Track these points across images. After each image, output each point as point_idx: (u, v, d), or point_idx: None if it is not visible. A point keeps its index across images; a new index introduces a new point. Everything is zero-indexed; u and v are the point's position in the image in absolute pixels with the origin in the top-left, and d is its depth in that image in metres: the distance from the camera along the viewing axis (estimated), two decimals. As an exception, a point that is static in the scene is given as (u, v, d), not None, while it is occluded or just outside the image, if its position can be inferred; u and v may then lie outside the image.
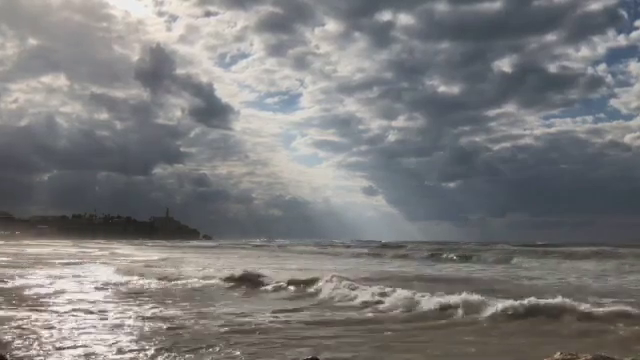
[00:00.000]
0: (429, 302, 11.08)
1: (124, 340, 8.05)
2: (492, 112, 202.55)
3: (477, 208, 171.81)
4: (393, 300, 11.63)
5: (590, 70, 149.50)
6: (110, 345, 7.74)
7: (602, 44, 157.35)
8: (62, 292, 13.80)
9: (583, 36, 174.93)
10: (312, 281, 14.85)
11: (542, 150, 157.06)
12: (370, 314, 10.96)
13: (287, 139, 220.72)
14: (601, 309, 9.96)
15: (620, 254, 33.49)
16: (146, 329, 8.95)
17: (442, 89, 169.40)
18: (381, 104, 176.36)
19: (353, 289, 13.10)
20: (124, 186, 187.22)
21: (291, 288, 14.93)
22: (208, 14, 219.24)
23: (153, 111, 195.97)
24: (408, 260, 36.05)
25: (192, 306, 11.83)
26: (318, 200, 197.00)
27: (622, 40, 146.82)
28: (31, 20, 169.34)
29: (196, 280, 17.26)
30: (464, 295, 10.87)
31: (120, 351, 7.42)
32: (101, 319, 9.84)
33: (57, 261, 28.23)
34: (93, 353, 7.26)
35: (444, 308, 10.71)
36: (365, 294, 12.45)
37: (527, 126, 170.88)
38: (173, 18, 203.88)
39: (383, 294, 12.19)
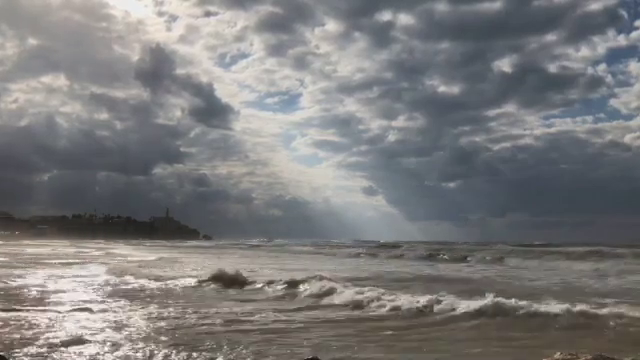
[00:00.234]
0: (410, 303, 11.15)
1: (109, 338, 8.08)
2: (492, 112, 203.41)
3: (477, 208, 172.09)
4: (346, 297, 11.72)
5: (590, 70, 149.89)
6: (103, 343, 7.81)
7: (602, 44, 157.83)
8: (50, 292, 13.82)
9: (583, 36, 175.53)
10: (294, 282, 14.87)
11: (542, 150, 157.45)
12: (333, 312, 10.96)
13: (287, 139, 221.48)
14: (596, 309, 9.98)
15: (618, 254, 33.56)
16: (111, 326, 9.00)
17: (442, 89, 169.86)
18: (381, 104, 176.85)
19: (331, 289, 13.15)
20: (124, 186, 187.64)
21: (268, 289, 14.97)
22: (208, 14, 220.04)
23: (153, 111, 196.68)
24: (403, 260, 36.05)
25: (167, 305, 11.86)
26: (318, 200, 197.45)
27: (622, 40, 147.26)
28: (31, 20, 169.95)
29: (180, 280, 17.37)
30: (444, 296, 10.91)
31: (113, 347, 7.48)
32: (85, 318, 9.86)
33: (52, 261, 28.28)
34: (89, 352, 7.31)
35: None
36: (343, 295, 12.52)
37: (527, 126, 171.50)
38: (173, 18, 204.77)
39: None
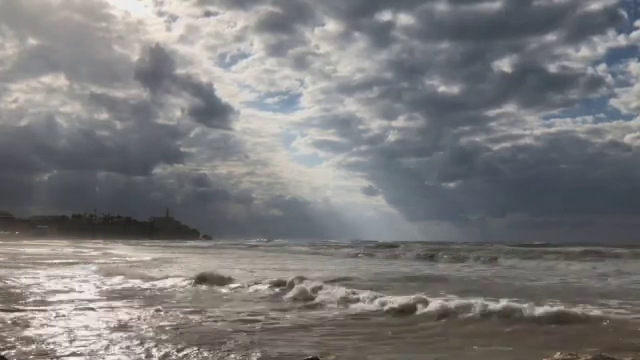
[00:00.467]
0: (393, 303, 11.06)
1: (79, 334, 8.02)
2: (492, 112, 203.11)
3: (477, 208, 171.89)
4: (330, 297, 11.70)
5: (590, 70, 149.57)
6: (94, 343, 7.83)
7: (602, 44, 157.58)
8: (41, 292, 13.80)
9: (583, 36, 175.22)
10: (279, 283, 14.79)
11: (542, 150, 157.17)
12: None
13: (287, 139, 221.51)
14: (596, 310, 9.86)
15: (617, 254, 33.52)
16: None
17: (442, 89, 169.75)
18: (381, 104, 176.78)
19: (314, 290, 13.06)
20: (124, 186, 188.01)
21: (251, 289, 14.90)
22: (208, 14, 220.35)
23: (153, 111, 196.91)
24: (399, 260, 35.94)
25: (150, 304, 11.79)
26: (318, 200, 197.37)
27: (622, 40, 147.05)
28: (31, 20, 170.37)
29: (168, 280, 17.38)
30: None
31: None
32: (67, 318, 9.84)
33: (48, 261, 28.26)
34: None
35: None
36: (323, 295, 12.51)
37: (527, 126, 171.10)
38: (173, 18, 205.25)
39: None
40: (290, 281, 14.30)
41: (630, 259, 31.20)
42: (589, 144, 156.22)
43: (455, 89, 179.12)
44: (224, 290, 15.00)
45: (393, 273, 21.94)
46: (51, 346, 7.65)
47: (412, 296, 11.21)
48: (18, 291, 13.98)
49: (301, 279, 14.31)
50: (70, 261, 29.04)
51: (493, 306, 10.13)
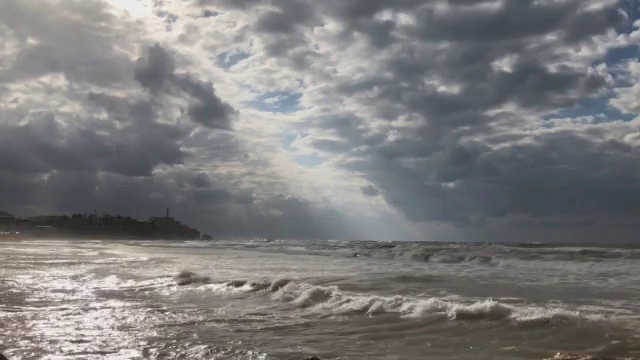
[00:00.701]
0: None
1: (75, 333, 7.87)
2: (492, 112, 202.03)
3: (477, 208, 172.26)
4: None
5: (590, 70, 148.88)
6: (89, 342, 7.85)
7: (602, 44, 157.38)
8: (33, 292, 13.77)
9: (583, 36, 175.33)
10: (263, 285, 14.69)
11: (542, 150, 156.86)
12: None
13: (287, 139, 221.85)
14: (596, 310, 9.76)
15: (616, 254, 33.39)
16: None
17: (442, 89, 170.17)
18: (381, 104, 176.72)
19: (296, 291, 12.99)
20: (124, 186, 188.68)
21: (235, 289, 14.85)
22: (208, 14, 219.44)
23: (153, 111, 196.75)
24: (395, 260, 35.82)
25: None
26: (318, 200, 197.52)
27: (622, 40, 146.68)
28: (30, 20, 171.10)
29: (155, 280, 17.44)
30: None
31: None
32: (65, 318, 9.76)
33: (48, 262, 28.17)
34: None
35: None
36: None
37: (527, 126, 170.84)
38: (172, 18, 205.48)
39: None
40: (275, 283, 14.31)
41: (630, 259, 31.04)
42: (589, 144, 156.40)
43: (455, 89, 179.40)
44: (208, 289, 15.00)
45: (390, 274, 21.73)
46: (42, 345, 7.62)
47: (398, 296, 11.08)
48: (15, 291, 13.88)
49: (285, 281, 14.22)
50: (67, 261, 28.96)
51: (491, 306, 9.98)
